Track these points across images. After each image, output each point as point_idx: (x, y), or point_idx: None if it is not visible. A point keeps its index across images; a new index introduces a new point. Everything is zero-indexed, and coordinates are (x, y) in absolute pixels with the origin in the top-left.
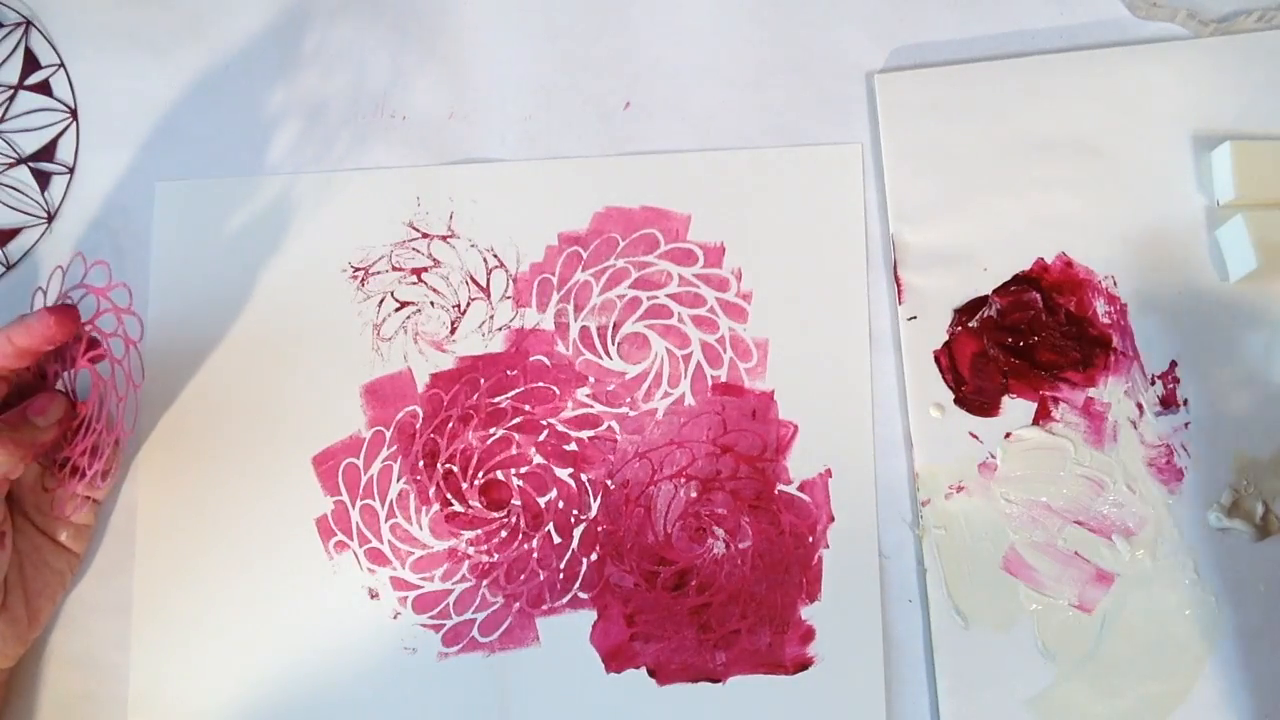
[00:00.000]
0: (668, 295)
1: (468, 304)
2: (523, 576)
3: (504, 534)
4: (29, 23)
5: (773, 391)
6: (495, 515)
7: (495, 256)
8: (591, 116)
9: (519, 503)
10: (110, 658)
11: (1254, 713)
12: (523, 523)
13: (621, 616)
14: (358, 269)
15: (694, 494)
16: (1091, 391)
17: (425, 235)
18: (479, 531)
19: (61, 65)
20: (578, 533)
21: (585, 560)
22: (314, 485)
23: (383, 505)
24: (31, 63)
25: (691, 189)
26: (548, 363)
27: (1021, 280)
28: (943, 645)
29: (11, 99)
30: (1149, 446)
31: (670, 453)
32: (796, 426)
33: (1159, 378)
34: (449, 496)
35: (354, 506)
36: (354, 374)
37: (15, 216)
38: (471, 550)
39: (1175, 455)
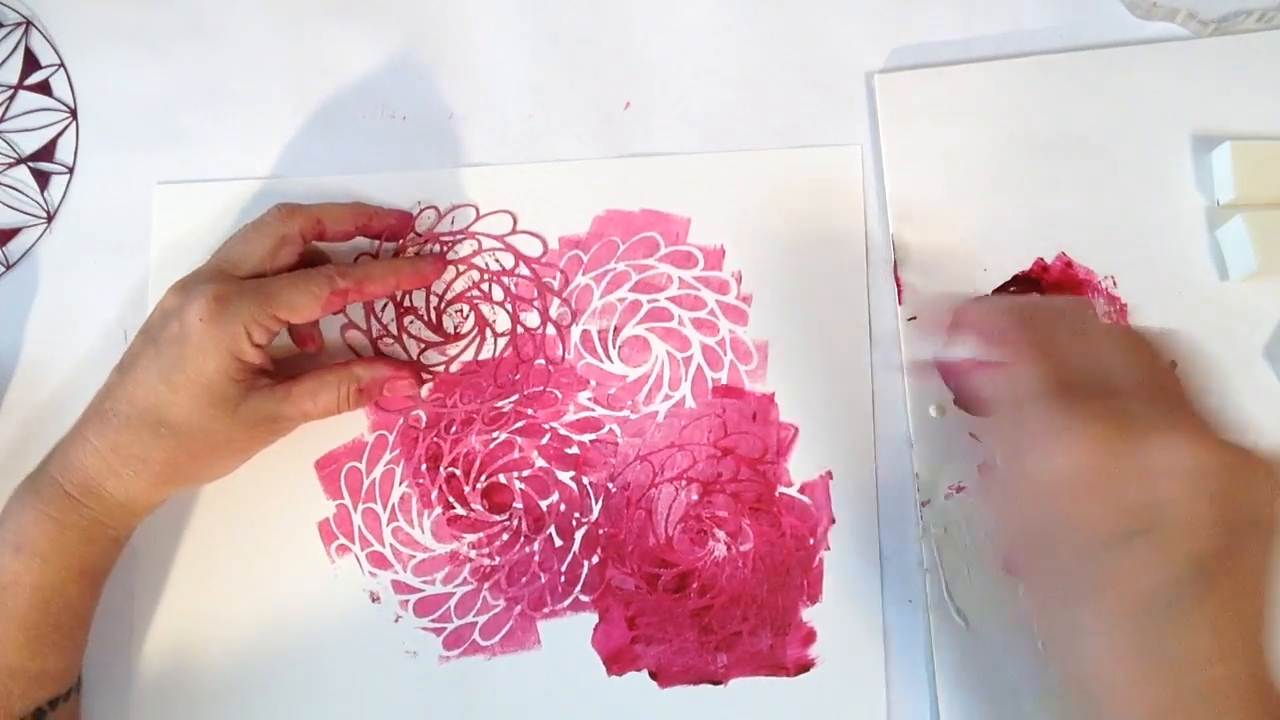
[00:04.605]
0: (668, 298)
1: (470, 308)
2: (524, 579)
3: (505, 537)
4: (29, 23)
5: (773, 394)
6: (497, 518)
7: (497, 260)
8: (591, 117)
9: (521, 506)
10: (111, 661)
11: None
12: (524, 525)
13: (623, 619)
14: None
15: (695, 496)
16: None
17: (426, 239)
18: (481, 534)
19: (61, 65)
20: (579, 535)
21: (586, 563)
22: (316, 489)
23: (385, 509)
24: (31, 63)
25: (691, 191)
26: (549, 367)
27: (1021, 280)
28: (943, 645)
29: (11, 99)
30: None
31: (671, 455)
32: (797, 428)
33: None
34: (451, 500)
35: (356, 510)
36: None
37: (15, 216)
38: (473, 553)
39: None
